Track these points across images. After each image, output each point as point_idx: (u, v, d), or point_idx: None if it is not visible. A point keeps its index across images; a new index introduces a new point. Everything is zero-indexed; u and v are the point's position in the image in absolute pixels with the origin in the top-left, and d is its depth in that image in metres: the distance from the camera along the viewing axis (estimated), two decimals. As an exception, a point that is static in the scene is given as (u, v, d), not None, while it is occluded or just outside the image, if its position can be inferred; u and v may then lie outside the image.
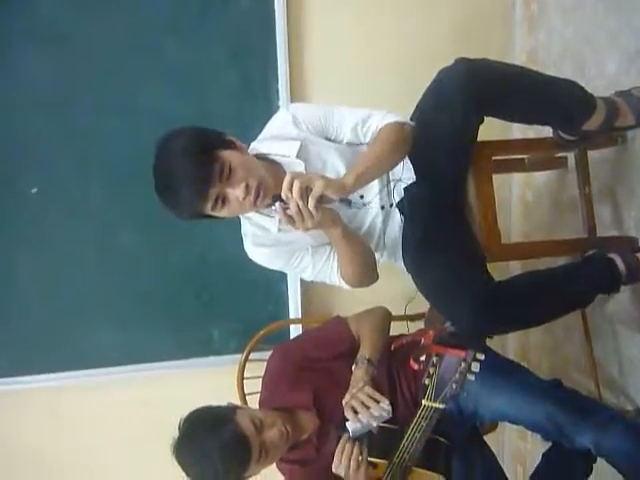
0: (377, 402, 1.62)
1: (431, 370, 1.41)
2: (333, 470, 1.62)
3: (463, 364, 1.38)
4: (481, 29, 2.57)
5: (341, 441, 1.62)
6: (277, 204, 1.41)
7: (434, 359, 1.41)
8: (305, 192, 1.38)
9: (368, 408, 1.60)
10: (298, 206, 1.39)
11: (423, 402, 1.48)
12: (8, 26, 2.24)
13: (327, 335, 1.94)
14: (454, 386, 1.40)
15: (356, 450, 1.59)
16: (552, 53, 2.36)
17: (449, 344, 1.40)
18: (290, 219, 1.43)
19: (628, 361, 1.99)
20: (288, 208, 1.41)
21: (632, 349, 1.97)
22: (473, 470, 1.77)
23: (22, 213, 2.38)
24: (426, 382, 1.43)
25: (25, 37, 2.27)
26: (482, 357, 1.39)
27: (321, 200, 1.40)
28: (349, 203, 1.46)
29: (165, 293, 2.53)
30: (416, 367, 1.45)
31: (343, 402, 1.66)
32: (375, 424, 1.60)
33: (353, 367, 1.76)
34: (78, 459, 2.64)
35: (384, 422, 1.62)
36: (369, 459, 1.62)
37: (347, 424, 1.60)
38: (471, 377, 1.40)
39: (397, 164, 1.69)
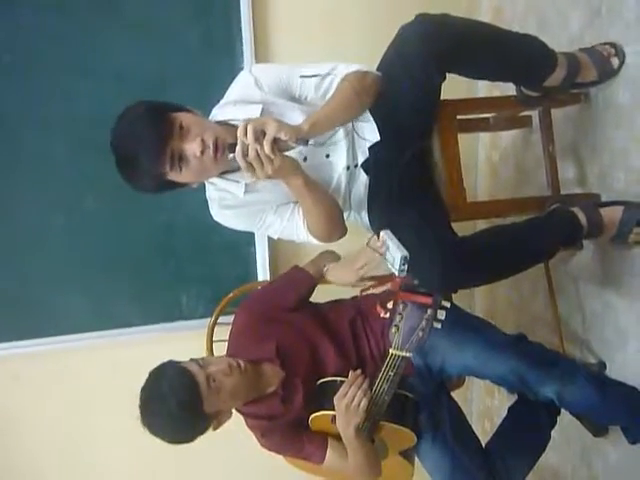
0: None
1: (397, 318, 1.42)
2: (335, 402, 1.65)
3: (429, 311, 1.38)
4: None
5: (350, 374, 1.68)
6: (237, 148, 1.40)
7: (400, 307, 1.41)
8: (260, 136, 1.38)
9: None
10: (256, 151, 1.38)
11: (390, 351, 1.48)
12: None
13: (287, 281, 1.97)
14: (420, 334, 1.41)
15: (365, 384, 1.64)
16: (517, 10, 2.36)
17: (415, 291, 1.40)
18: (250, 166, 1.42)
19: (591, 316, 2.03)
20: (247, 155, 1.40)
21: (594, 305, 2.01)
22: (441, 425, 1.78)
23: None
24: (393, 331, 1.43)
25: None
26: (448, 304, 1.39)
27: (277, 144, 1.40)
28: (306, 142, 1.44)
29: (132, 259, 2.50)
30: (382, 313, 1.45)
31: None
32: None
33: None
34: (43, 425, 2.63)
35: None
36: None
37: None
38: (437, 325, 1.40)
39: (359, 113, 1.67)
